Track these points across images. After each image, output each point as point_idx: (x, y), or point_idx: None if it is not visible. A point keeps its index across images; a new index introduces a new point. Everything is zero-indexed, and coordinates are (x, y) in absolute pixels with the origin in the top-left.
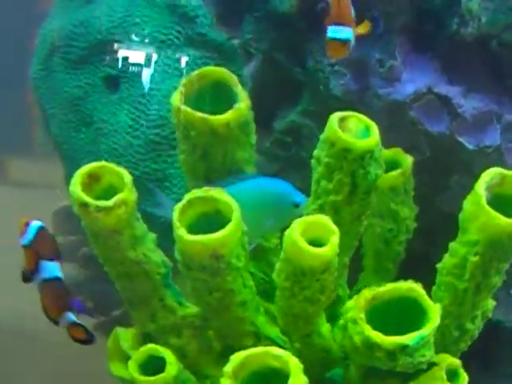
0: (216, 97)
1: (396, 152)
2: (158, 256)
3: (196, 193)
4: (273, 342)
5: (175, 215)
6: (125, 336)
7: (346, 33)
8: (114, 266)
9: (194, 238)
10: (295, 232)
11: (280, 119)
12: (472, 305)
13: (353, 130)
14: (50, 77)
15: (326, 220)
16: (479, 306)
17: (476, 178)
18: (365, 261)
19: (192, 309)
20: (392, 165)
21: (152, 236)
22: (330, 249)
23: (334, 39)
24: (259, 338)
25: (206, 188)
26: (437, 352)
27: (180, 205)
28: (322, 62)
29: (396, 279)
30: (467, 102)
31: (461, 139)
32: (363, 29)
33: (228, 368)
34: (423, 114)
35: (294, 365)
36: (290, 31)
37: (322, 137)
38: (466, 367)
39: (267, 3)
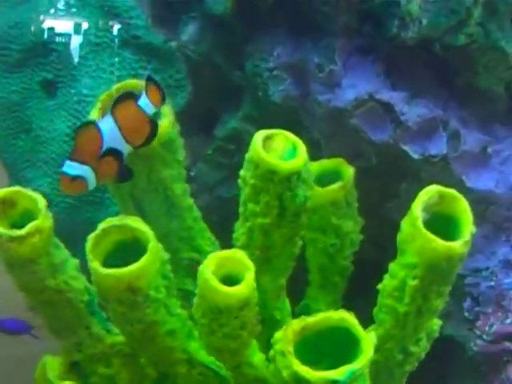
0: None
1: (337, 162)
2: (80, 283)
3: (111, 221)
4: (207, 369)
5: (88, 246)
6: (51, 365)
7: (80, 170)
8: (33, 294)
9: (107, 272)
10: (207, 269)
11: (221, 125)
12: (414, 327)
13: (279, 149)
14: None
15: (240, 255)
16: (422, 328)
17: (423, 186)
18: (310, 276)
19: (121, 336)
20: (334, 176)
21: (74, 262)
22: (246, 286)
23: (65, 174)
24: (193, 365)
25: (120, 216)
26: (382, 375)
27: (93, 235)
28: (259, 65)
29: (347, 292)
30: (411, 108)
31: (405, 148)
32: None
33: None
34: (365, 121)
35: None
36: (227, 33)
37: (246, 156)
38: (419, 382)
39: (203, 4)
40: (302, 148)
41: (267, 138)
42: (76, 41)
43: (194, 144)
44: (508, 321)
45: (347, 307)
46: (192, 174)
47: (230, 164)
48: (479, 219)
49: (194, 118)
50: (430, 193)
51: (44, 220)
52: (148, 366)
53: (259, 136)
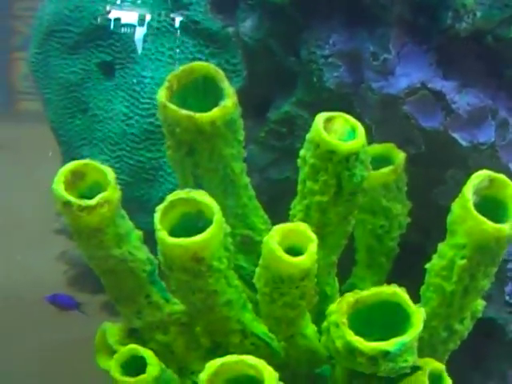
0: (203, 92)
1: (388, 148)
2: (143, 253)
3: (178, 194)
4: (260, 340)
5: (157, 217)
6: (111, 331)
7: None
8: (98, 263)
9: (174, 241)
10: (273, 240)
11: (274, 109)
12: (460, 306)
13: (339, 131)
14: (46, 61)
15: (304, 228)
16: (468, 307)
17: (470, 173)
18: (357, 255)
19: (179, 306)
20: (384, 160)
21: (137, 233)
22: (308, 257)
23: None
24: (246, 336)
25: (187, 190)
26: (426, 352)
27: (162, 206)
28: (315, 52)
29: (391, 273)
30: (461, 97)
31: (455, 135)
32: None
33: (203, 376)
34: (417, 109)
35: (269, 374)
36: (284, 20)
37: (307, 137)
38: (458, 364)
39: None
40: (360, 130)
41: (328, 120)
42: (137, 26)
43: (247, 126)
44: None
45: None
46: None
47: (281, 147)
48: None
49: (248, 101)
50: (480, 177)
51: (113, 191)
52: (203, 335)
53: (320, 118)
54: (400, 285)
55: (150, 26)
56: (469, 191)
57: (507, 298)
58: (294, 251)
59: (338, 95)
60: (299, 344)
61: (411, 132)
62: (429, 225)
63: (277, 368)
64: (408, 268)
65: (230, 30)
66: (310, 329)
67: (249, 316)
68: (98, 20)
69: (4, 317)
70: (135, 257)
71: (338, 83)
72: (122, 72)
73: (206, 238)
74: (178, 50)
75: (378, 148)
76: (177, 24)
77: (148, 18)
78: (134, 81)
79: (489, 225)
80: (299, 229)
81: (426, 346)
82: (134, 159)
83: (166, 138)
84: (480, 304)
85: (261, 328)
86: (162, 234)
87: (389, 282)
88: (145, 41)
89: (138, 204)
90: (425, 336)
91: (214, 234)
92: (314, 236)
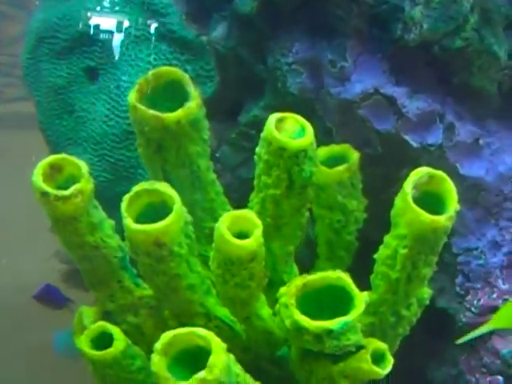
0: (172, 95)
1: (344, 148)
2: (114, 241)
3: (143, 185)
4: (223, 322)
5: (123, 205)
6: (87, 313)
7: None
8: (74, 249)
9: (138, 228)
10: (223, 225)
11: (245, 113)
12: (405, 293)
13: (289, 130)
14: (37, 66)
15: (251, 215)
16: (412, 294)
17: None
18: (318, 249)
19: (148, 290)
20: (341, 160)
21: (110, 223)
22: (254, 240)
23: None
24: (210, 319)
25: (152, 181)
26: (377, 336)
27: (128, 196)
28: (280, 60)
29: (354, 268)
30: (411, 102)
31: (406, 137)
32: None
33: (158, 345)
34: (371, 113)
35: (216, 344)
36: (253, 30)
37: (261, 135)
38: (413, 353)
39: (232, 3)
40: (309, 129)
41: (280, 120)
42: (118, 34)
43: (220, 129)
44: (494, 296)
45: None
46: (217, 155)
47: (250, 147)
48: (471, 204)
49: (220, 105)
50: (420, 173)
51: (86, 183)
52: (170, 318)
53: (273, 118)
54: (363, 279)
55: (129, 34)
56: (408, 186)
57: (458, 289)
58: (242, 236)
59: (301, 100)
60: (255, 325)
61: (368, 134)
62: (388, 222)
63: (241, 351)
64: (369, 263)
65: (204, 38)
66: (265, 311)
67: (212, 300)
68: (80, 26)
69: None
70: (107, 244)
71: (300, 88)
72: (104, 77)
73: (166, 224)
74: (155, 57)
75: (335, 148)
76: (152, 31)
77: (126, 24)
78: (115, 85)
79: (426, 216)
80: (246, 216)
81: (377, 331)
82: (115, 158)
83: (137, 137)
84: (426, 292)
85: (223, 312)
86: (128, 221)
87: (352, 277)
88: (125, 48)
89: (119, 200)
90: (375, 321)
91: (174, 221)
92: (259, 222)
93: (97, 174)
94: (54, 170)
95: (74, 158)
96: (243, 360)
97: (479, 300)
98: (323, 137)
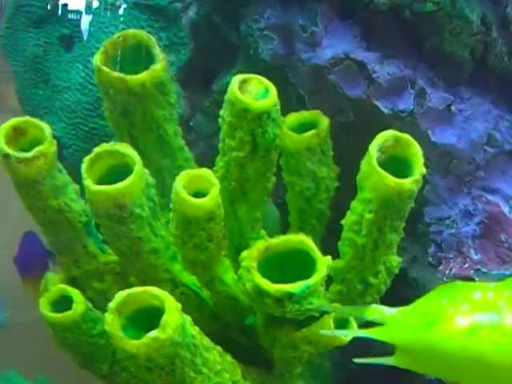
0: (138, 59)
1: (314, 114)
2: (79, 205)
3: (103, 146)
4: (189, 289)
5: (84, 166)
6: (53, 280)
7: None
8: (37, 213)
9: (98, 188)
10: (179, 184)
11: (218, 81)
12: (372, 260)
13: (253, 91)
14: (14, 35)
15: (207, 173)
16: (379, 261)
17: None
18: (290, 218)
19: (113, 256)
20: (311, 126)
21: (74, 187)
22: (210, 199)
23: None
24: (176, 285)
25: (112, 143)
26: (345, 304)
27: (88, 157)
28: (252, 26)
29: (326, 237)
30: (382, 67)
31: (377, 103)
32: None
33: (112, 304)
34: (342, 78)
35: (170, 303)
36: None
37: (225, 97)
38: None
39: None
40: (272, 91)
41: (243, 82)
42: (92, 2)
43: (193, 97)
44: (466, 265)
45: (328, 252)
46: (191, 124)
47: None
48: (444, 172)
49: (194, 74)
50: (385, 136)
51: (49, 145)
52: (136, 284)
53: (236, 79)
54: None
55: (104, 1)
56: (373, 149)
57: (430, 259)
58: (200, 196)
59: (273, 66)
60: (219, 290)
61: (340, 101)
62: None
63: (209, 319)
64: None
65: (178, 5)
66: (229, 276)
67: (178, 266)
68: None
69: None
70: (71, 208)
71: (272, 55)
72: (79, 44)
73: (126, 185)
74: (129, 24)
75: (305, 115)
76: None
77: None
78: (89, 52)
79: (391, 179)
80: (203, 174)
81: (346, 300)
82: (89, 126)
83: (103, 100)
84: (395, 260)
85: (190, 278)
86: (88, 182)
87: (327, 248)
88: (99, 15)
89: None
90: (343, 290)
91: (134, 182)
92: (216, 181)
93: (71, 142)
94: (17, 132)
95: (37, 121)
96: (213, 329)
97: (451, 270)
98: (296, 105)
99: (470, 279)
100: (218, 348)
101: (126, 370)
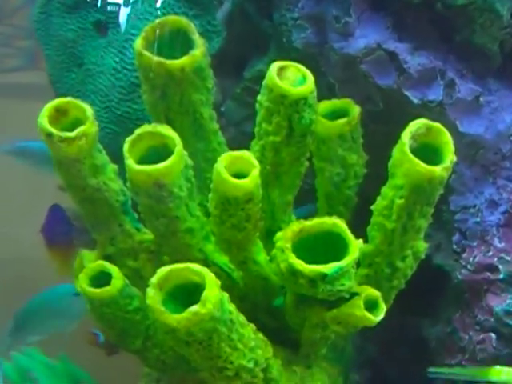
0: (177, 43)
1: (346, 102)
2: (117, 185)
3: (145, 128)
4: (221, 270)
5: (126, 147)
6: (88, 257)
7: None
8: (76, 191)
9: (139, 168)
10: (220, 164)
11: (249, 68)
12: (401, 244)
13: (291, 78)
14: (48, 20)
15: (248, 155)
16: (408, 246)
17: None
18: (318, 203)
19: (148, 235)
20: (342, 114)
21: (113, 167)
22: (251, 180)
23: None
24: (208, 265)
25: (154, 124)
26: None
27: (130, 138)
28: (285, 15)
29: (352, 224)
30: (413, 58)
31: (407, 93)
32: None
33: (154, 279)
34: (373, 68)
35: (210, 279)
36: None
37: (263, 83)
38: (408, 310)
39: None
40: (310, 78)
41: (281, 68)
42: None
43: (225, 84)
44: (489, 253)
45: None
46: (222, 109)
47: (254, 102)
48: (470, 161)
49: (227, 61)
50: (418, 124)
51: (90, 126)
52: (169, 263)
53: (274, 66)
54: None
55: None
56: (406, 136)
57: (454, 246)
58: (240, 177)
59: (305, 55)
60: (252, 270)
61: (369, 90)
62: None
63: (238, 300)
64: (369, 221)
65: None
66: (262, 257)
67: (211, 247)
68: None
69: None
70: (109, 187)
71: (304, 44)
72: (114, 30)
73: (167, 165)
74: (163, 11)
75: (336, 103)
76: None
77: None
78: (124, 38)
79: (422, 166)
80: (244, 156)
81: (372, 283)
82: (122, 110)
83: (142, 84)
84: (422, 246)
85: (222, 259)
86: (130, 162)
87: (355, 233)
88: (135, 2)
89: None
90: (370, 273)
91: (174, 163)
92: (256, 163)
93: (103, 125)
94: (59, 112)
95: (79, 102)
96: (241, 310)
97: (475, 257)
98: (326, 92)
99: (494, 267)
100: (252, 325)
101: (157, 345)
